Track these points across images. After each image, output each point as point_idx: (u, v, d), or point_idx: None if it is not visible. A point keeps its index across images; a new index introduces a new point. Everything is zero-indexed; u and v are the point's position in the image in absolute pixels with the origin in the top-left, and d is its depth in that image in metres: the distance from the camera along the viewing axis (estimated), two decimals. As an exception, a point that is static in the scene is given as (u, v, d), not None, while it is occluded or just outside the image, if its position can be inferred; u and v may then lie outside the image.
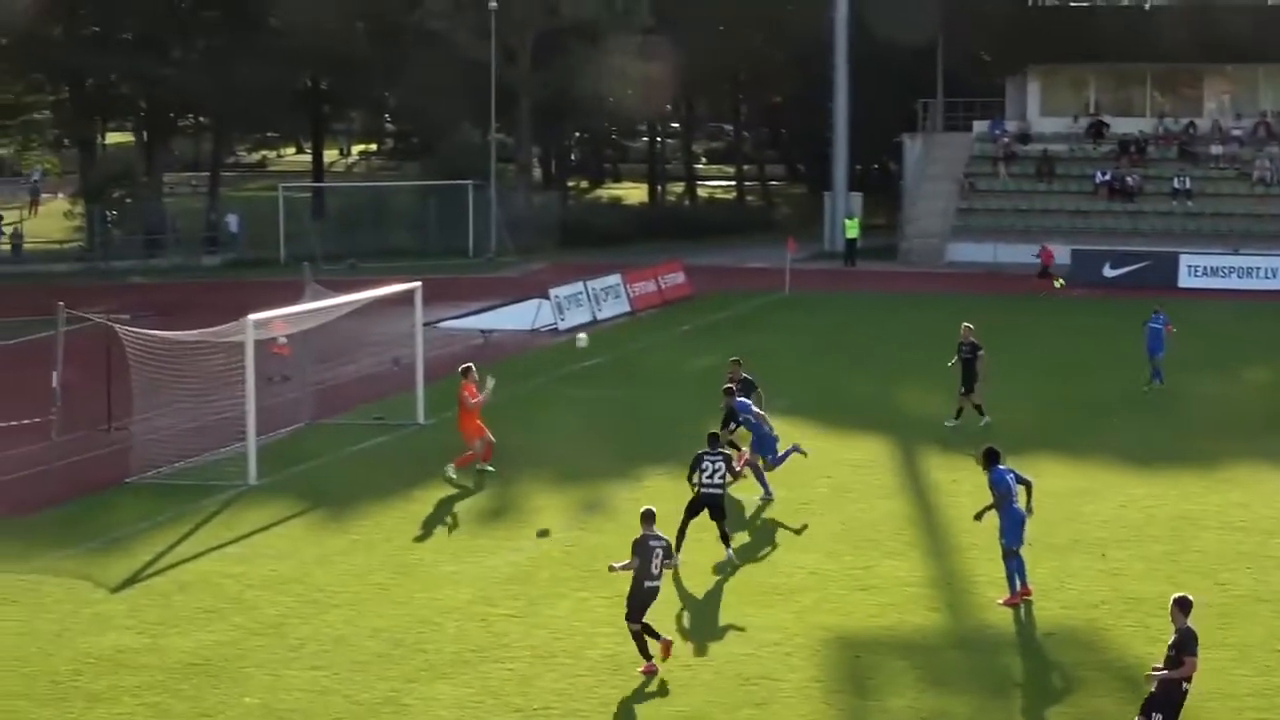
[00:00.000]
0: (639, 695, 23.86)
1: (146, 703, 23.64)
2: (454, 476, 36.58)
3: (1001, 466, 28.13)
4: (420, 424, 41.83)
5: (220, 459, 37.44)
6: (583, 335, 44.26)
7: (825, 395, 46.77)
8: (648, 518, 25.29)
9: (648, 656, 24.77)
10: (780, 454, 35.24)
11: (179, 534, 32.39)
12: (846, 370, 49.81)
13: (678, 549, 30.13)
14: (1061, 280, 71.03)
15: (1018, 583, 27.96)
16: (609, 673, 24.70)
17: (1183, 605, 20.80)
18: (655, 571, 24.91)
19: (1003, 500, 27.90)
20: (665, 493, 33.42)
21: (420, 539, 32.26)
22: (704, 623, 27.14)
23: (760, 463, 34.97)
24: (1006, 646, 25.99)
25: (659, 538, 25.17)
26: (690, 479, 30.80)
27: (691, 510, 30.33)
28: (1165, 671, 20.46)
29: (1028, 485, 28.11)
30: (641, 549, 24.98)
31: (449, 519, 33.65)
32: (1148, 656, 25.20)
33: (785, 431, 41.61)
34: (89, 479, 36.85)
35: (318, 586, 28.92)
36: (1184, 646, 20.48)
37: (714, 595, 28.52)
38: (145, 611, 27.68)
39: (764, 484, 34.65)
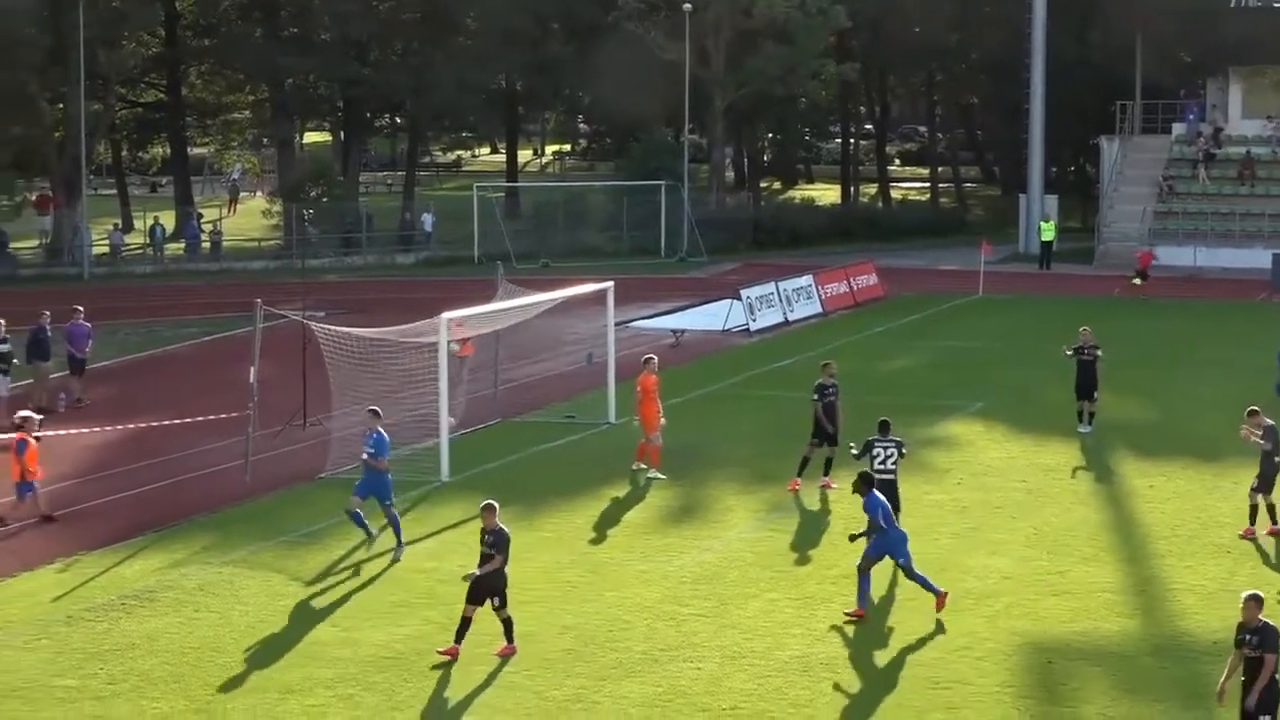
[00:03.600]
0: (830, 698, 23.70)
1: (339, 695, 23.87)
2: (655, 474, 36.67)
3: (876, 493, 27.54)
4: (611, 423, 41.89)
5: (413, 455, 37.56)
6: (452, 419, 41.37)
7: (1019, 398, 46.28)
8: (492, 510, 25.63)
9: (461, 640, 25.36)
10: (393, 518, 31.47)
11: (373, 528, 32.52)
12: (1040, 374, 49.19)
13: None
14: (1137, 280, 70.69)
15: (865, 599, 27.44)
16: (798, 674, 24.59)
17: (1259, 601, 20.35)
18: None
19: (881, 524, 27.26)
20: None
21: (610, 537, 32.30)
22: (895, 626, 26.93)
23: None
24: (1202, 655, 25.49)
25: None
26: (855, 454, 31.19)
27: None
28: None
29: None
30: (504, 543, 25.36)
31: (639, 517, 33.66)
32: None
33: (975, 435, 41.32)
34: (284, 473, 37.28)
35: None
36: (1264, 643, 20.01)
37: (905, 598, 28.26)
38: (338, 605, 27.97)
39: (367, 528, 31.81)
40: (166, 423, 41.51)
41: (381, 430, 31.59)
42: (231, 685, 24.25)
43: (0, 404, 42.49)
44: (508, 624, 25.57)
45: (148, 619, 27.30)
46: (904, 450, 30.74)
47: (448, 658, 25.14)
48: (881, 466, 30.16)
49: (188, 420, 41.52)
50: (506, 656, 25.32)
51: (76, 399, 46.03)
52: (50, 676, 24.68)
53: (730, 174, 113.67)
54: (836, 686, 24.15)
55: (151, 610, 27.73)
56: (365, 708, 23.41)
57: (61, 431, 39.60)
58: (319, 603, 28.15)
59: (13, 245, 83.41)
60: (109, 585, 28.87)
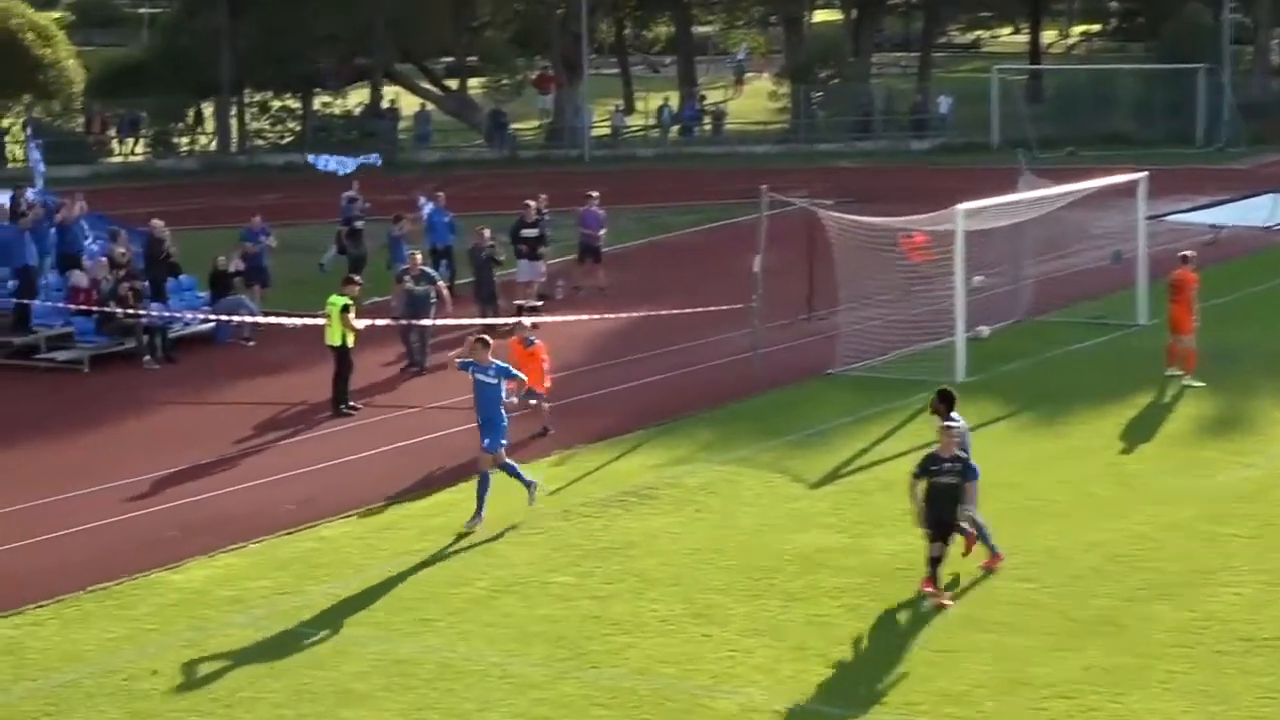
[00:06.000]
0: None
1: (845, 605, 22.71)
2: (1190, 380, 34.42)
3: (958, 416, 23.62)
4: (1142, 324, 39.86)
5: (926, 353, 36.14)
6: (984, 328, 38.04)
7: None
8: (951, 432, 22.79)
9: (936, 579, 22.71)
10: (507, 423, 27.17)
11: (882, 430, 31.38)
12: None
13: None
14: None
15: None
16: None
17: None
18: None
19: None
20: None
21: (1140, 449, 30.25)
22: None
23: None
24: None
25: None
26: None
27: None
28: None
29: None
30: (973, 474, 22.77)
31: (1169, 428, 31.65)
32: None
33: None
34: (789, 369, 36.32)
35: (1028, 494, 27.43)
36: None
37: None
38: (846, 510, 26.80)
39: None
40: (665, 313, 40.70)
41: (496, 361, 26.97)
42: (733, 590, 23.30)
43: (520, 288, 42.80)
44: (938, 562, 22.77)
45: (646, 517, 26.68)
46: None
47: (930, 590, 22.79)
48: None
49: (688, 310, 40.61)
50: (927, 594, 22.73)
51: (575, 286, 46.06)
52: (545, 573, 24.21)
53: (1276, 57, 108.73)
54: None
55: (651, 508, 27.10)
56: (872, 618, 22.26)
57: (558, 318, 39.04)
58: (825, 507, 27.02)
59: (513, 126, 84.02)
60: (606, 480, 28.32)
